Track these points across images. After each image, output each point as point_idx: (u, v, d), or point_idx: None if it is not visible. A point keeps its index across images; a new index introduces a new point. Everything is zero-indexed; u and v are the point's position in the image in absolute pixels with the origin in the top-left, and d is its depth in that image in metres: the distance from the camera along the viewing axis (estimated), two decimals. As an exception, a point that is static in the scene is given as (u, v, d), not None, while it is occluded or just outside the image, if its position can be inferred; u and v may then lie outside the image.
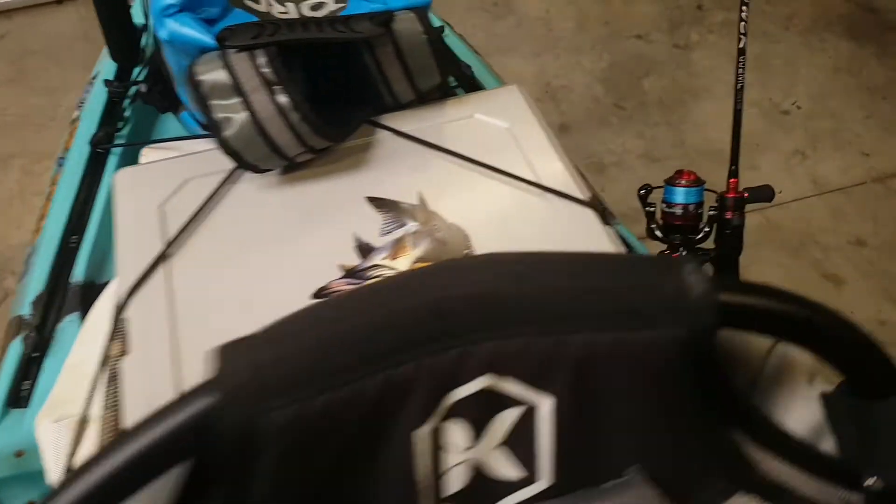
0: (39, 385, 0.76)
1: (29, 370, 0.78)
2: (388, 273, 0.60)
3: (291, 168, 0.66)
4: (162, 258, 0.60)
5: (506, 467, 0.32)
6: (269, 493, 0.26)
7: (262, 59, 0.57)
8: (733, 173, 0.76)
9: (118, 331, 0.59)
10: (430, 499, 0.31)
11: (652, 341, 0.29)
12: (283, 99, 0.59)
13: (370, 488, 0.29)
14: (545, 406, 0.31)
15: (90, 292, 0.86)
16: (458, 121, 0.71)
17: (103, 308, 0.72)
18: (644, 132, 1.83)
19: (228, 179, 0.65)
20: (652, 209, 0.79)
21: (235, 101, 0.59)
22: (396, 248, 0.62)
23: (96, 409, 0.61)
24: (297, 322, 0.30)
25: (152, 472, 0.26)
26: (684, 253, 0.78)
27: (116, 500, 0.25)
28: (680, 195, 0.76)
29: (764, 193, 0.78)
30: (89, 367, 0.68)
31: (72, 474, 0.25)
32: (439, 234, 0.62)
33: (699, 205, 0.77)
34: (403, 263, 0.61)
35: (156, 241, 0.61)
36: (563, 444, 0.31)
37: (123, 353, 0.58)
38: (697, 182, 0.78)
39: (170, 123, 1.02)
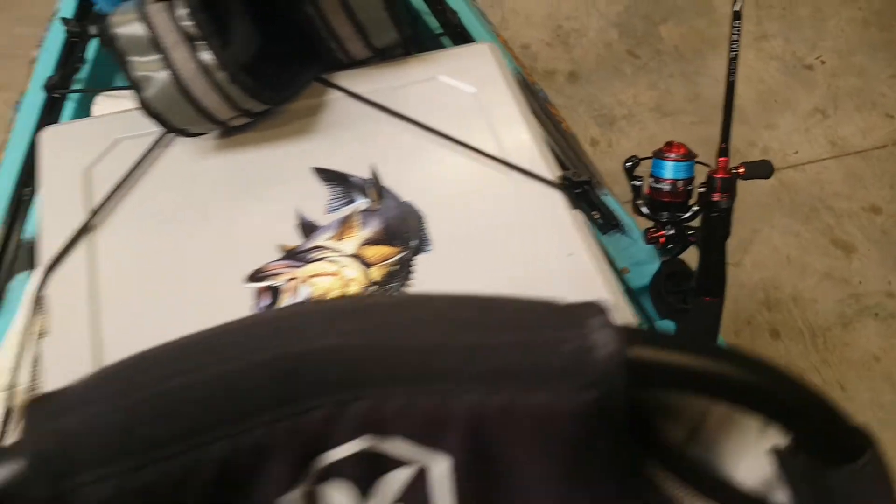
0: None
1: (-26, 331, 0.74)
2: (331, 255, 0.54)
3: (228, 132, 0.60)
4: (85, 229, 0.55)
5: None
6: None
7: (181, 11, 0.50)
8: (723, 151, 0.68)
9: (39, 307, 0.55)
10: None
11: (549, 404, 0.24)
12: (206, 56, 0.52)
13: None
14: (440, 466, 0.26)
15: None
16: (420, 83, 0.64)
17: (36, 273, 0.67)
18: (657, 83, 1.72)
19: (160, 143, 0.59)
20: (639, 183, 0.72)
21: (154, 57, 0.53)
22: (343, 227, 0.56)
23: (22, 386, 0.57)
24: (117, 376, 0.25)
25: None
26: (671, 232, 0.72)
27: None
28: (668, 170, 0.70)
29: (762, 169, 0.71)
30: (11, 337, 0.64)
31: None
32: (390, 214, 0.57)
33: (689, 181, 0.70)
34: (350, 245, 0.55)
35: (79, 210, 0.56)
36: None
37: (44, 332, 0.53)
38: (688, 156, 0.70)
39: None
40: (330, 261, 0.54)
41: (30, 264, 0.80)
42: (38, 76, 0.94)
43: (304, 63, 0.61)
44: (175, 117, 0.55)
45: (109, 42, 0.53)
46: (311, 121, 0.61)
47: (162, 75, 0.53)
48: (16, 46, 1.85)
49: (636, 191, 0.72)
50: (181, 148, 0.59)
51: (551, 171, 0.58)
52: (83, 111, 0.93)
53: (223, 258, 0.54)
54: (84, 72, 0.93)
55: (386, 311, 0.25)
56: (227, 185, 0.58)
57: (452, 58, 0.66)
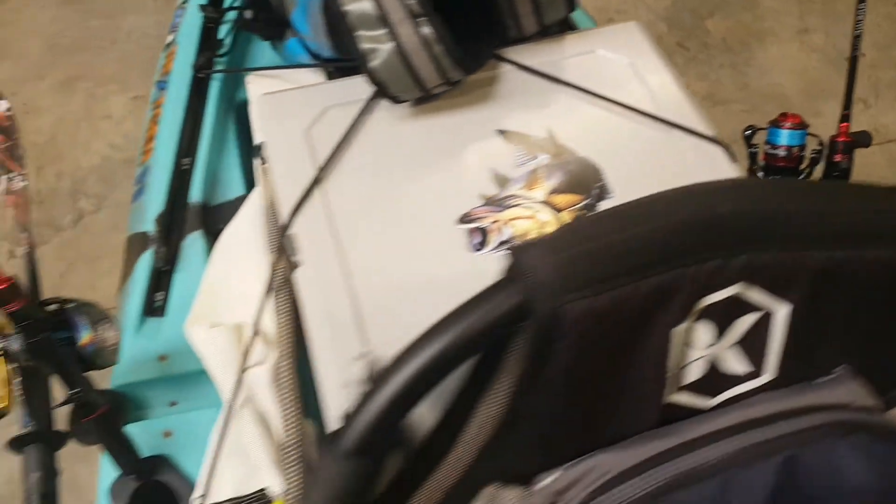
0: (173, 296, 0.81)
1: (160, 282, 0.83)
2: (525, 202, 0.63)
3: (422, 100, 0.69)
4: (317, 181, 0.64)
5: (736, 363, 0.37)
6: (559, 377, 0.31)
7: (405, -10, 0.59)
8: (845, 118, 0.77)
9: (278, 246, 0.63)
10: (672, 387, 0.35)
11: (884, 260, 0.32)
12: (427, 31, 0.61)
13: (628, 375, 0.33)
14: (781, 312, 0.35)
15: (208, 212, 0.91)
16: (580, 56, 0.73)
17: (240, 227, 0.76)
18: (708, 74, 1.82)
19: (365, 109, 0.68)
20: (755, 150, 0.81)
21: (382, 31, 0.62)
22: (531, 179, 0.65)
23: (252, 317, 0.66)
24: (584, 228, 0.33)
25: (458, 359, 0.30)
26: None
27: (440, 377, 0.29)
28: (784, 137, 0.79)
29: (864, 139, 0.80)
30: (233, 281, 0.73)
31: (396, 360, 0.29)
32: (570, 168, 0.65)
33: (802, 147, 0.79)
34: (538, 194, 0.64)
35: (308, 165, 0.65)
36: (789, 345, 0.35)
37: (286, 267, 0.62)
38: (802, 125, 0.80)
39: (263, 52, 1.04)
40: (525, 207, 0.63)
41: (197, 226, 0.89)
42: (181, 58, 1.02)
43: (483, 39, 0.70)
44: (394, 84, 0.64)
45: (339, 17, 0.62)
46: (490, 90, 0.70)
47: (387, 47, 0.61)
48: (91, 38, 1.94)
49: (752, 157, 0.82)
50: (383, 114, 0.68)
51: (709, 129, 0.67)
52: (226, 89, 1.02)
53: (434, 204, 0.63)
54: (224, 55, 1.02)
55: (763, 186, 0.34)
56: (428, 144, 0.67)
57: (605, 34, 0.75)
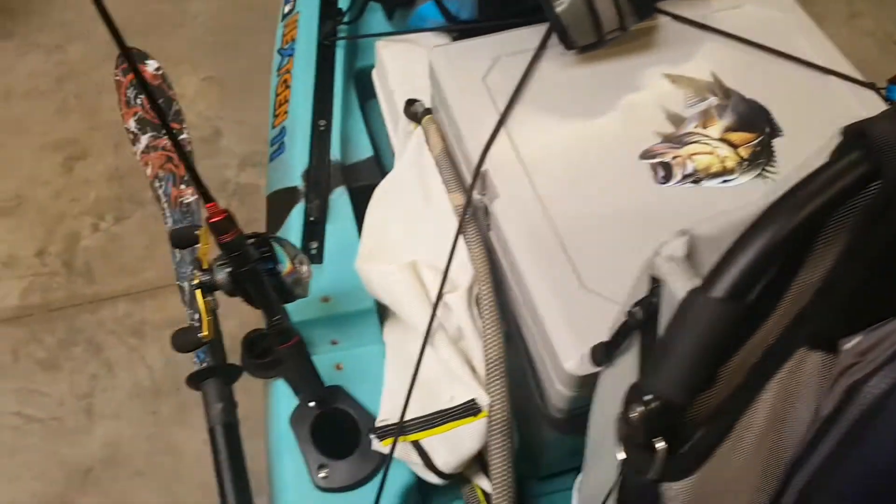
0: (327, 245, 0.85)
1: (314, 233, 0.87)
2: (702, 139, 0.67)
3: (591, 47, 0.73)
4: (501, 122, 0.68)
5: None
6: (884, 244, 0.34)
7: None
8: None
9: (470, 184, 0.67)
10: None
11: None
12: (612, -23, 0.66)
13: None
14: None
15: (345, 171, 0.96)
16: (731, 9, 0.77)
17: (399, 176, 0.80)
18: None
19: (535, 57, 0.73)
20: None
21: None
22: (704, 118, 0.69)
23: (436, 253, 0.70)
24: None
25: (815, 226, 0.34)
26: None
27: (800, 239, 0.33)
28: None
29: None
30: (395, 224, 0.77)
31: (765, 215, 0.32)
32: (739, 109, 0.70)
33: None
34: (713, 132, 0.68)
35: (489, 109, 0.69)
36: None
37: (474, 202, 0.67)
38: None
39: (375, 20, 1.08)
40: (703, 143, 0.67)
41: (341, 181, 0.93)
42: (303, 27, 1.07)
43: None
44: (575, 28, 0.68)
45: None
46: (649, 40, 0.74)
47: (576, -8, 0.66)
48: (157, 21, 1.97)
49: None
50: (551, 62, 0.72)
51: (860, 76, 0.71)
52: (349, 55, 1.06)
53: (614, 141, 0.67)
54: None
55: None
56: (598, 88, 0.71)
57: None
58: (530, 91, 0.71)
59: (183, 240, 0.74)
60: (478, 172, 0.65)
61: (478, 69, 0.72)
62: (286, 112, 1.00)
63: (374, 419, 0.75)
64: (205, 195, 0.60)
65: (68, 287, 1.55)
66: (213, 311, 0.69)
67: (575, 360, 0.55)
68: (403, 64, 0.95)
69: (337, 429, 0.75)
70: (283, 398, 0.77)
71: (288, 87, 1.03)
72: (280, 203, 0.92)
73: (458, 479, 0.71)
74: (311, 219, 0.88)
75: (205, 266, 0.69)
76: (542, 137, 0.68)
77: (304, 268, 0.70)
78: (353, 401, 0.76)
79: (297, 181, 0.91)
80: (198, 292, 0.69)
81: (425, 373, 0.68)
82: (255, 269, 0.65)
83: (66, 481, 1.34)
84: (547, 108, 0.70)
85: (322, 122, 0.97)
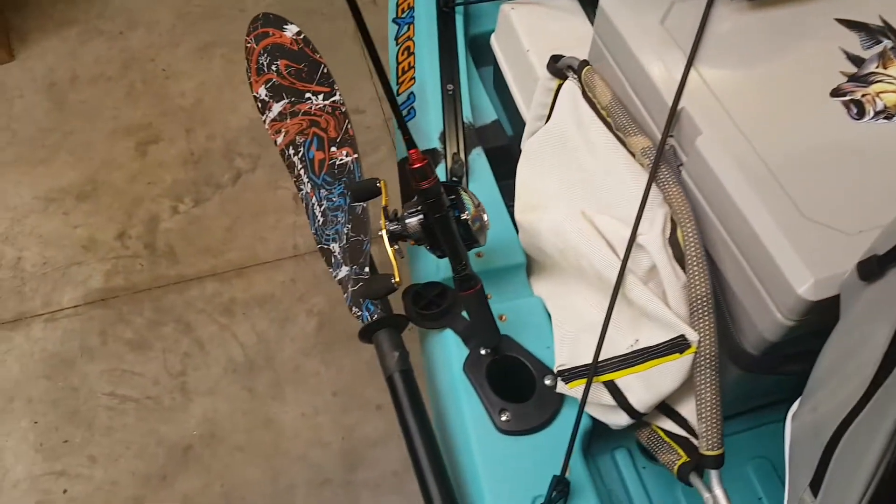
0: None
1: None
2: (886, 79, 0.68)
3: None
4: (689, 66, 0.69)
5: None
6: None
7: None
8: None
9: (666, 124, 0.67)
10: None
11: None
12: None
13: None
14: None
15: (480, 131, 0.97)
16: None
17: (555, 129, 0.81)
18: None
19: (709, 3, 0.73)
20: None
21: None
22: (883, 59, 0.70)
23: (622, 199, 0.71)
24: None
25: None
26: None
27: None
28: None
29: None
30: (550, 176, 0.78)
31: None
32: (917, 50, 0.70)
33: None
34: (895, 71, 0.69)
35: (674, 51, 0.70)
36: None
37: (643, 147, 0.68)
38: None
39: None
40: (887, 82, 0.68)
41: (477, 143, 0.94)
42: None
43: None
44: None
45: None
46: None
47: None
48: (219, 7, 1.98)
49: None
50: (723, 8, 0.73)
51: None
52: (467, 22, 1.07)
53: (802, 80, 0.68)
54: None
55: None
56: (775, 31, 0.72)
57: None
58: (710, 35, 0.72)
59: (364, 192, 0.75)
60: (674, 111, 0.66)
61: (655, 14, 0.73)
62: (412, 78, 1.01)
63: (544, 365, 0.76)
64: (409, 141, 0.60)
65: (152, 269, 1.55)
66: (399, 258, 0.70)
67: (808, 285, 0.56)
68: (535, 24, 0.96)
69: (511, 375, 0.76)
70: (452, 347, 0.78)
71: (411, 53, 1.03)
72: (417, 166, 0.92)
73: (636, 425, 0.72)
74: (454, 179, 0.89)
75: (391, 216, 0.70)
76: (731, 77, 0.69)
77: (486, 215, 0.71)
78: (523, 348, 0.77)
79: (434, 143, 0.92)
80: (386, 240, 0.70)
81: (600, 317, 0.68)
82: (447, 216, 0.66)
83: (167, 459, 1.34)
84: (729, 50, 0.71)
85: (450, 87, 0.98)
